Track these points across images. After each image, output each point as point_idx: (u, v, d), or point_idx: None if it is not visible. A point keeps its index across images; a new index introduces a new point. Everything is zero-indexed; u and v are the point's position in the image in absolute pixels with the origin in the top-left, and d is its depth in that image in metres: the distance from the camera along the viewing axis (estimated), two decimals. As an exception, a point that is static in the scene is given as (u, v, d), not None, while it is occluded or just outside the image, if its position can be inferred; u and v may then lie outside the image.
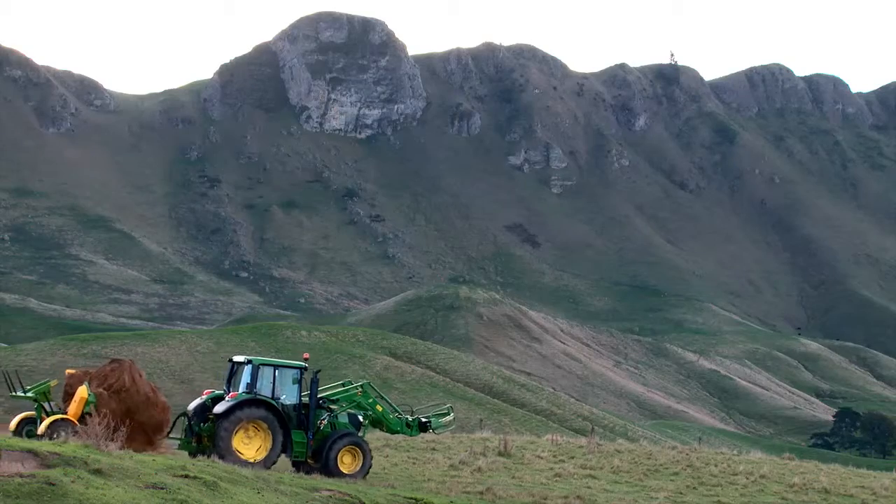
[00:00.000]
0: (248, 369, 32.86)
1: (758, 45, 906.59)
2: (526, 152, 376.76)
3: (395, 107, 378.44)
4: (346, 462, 32.93)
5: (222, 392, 33.39)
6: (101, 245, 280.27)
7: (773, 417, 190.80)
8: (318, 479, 29.48)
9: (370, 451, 33.75)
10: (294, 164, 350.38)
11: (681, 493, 38.28)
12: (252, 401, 32.03)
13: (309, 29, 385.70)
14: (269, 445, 31.97)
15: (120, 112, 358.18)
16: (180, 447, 33.24)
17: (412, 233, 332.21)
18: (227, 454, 30.98)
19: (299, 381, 33.42)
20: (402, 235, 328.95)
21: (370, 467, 33.55)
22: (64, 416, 31.18)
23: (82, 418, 30.89)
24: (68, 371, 33.27)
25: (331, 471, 32.31)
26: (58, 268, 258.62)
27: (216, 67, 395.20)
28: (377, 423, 35.31)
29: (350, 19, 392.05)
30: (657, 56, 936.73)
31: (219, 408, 32.04)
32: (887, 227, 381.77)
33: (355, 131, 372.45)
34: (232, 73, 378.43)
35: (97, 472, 22.11)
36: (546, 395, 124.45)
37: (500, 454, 43.27)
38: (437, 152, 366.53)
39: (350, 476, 32.36)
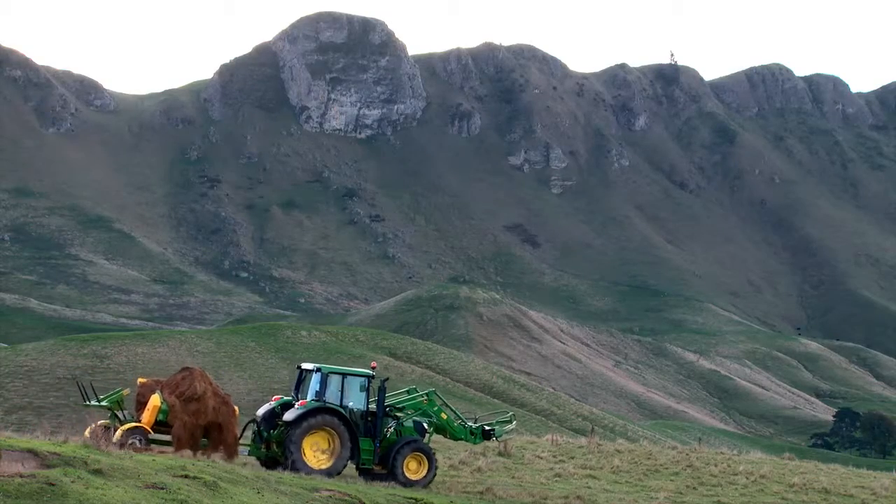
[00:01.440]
0: (316, 377, 33.35)
1: (758, 45, 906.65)
2: (526, 152, 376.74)
3: (395, 107, 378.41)
4: (412, 469, 33.34)
5: (291, 398, 33.84)
6: (101, 245, 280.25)
7: (773, 417, 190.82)
8: (317, 480, 29.49)
9: (435, 458, 34.14)
10: (294, 164, 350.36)
11: (681, 493, 38.30)
12: (321, 408, 32.51)
13: (309, 29, 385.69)
14: (337, 452, 32.42)
15: (120, 112, 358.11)
16: (250, 453, 33.63)
17: (412, 233, 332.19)
18: (296, 461, 31.57)
19: (366, 389, 33.84)
20: (402, 235, 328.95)
21: (435, 474, 33.91)
22: (138, 425, 31.78)
23: (155, 426, 31.75)
24: (140, 380, 33.77)
25: (397, 477, 32.79)
26: (58, 268, 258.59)
27: (216, 67, 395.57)
28: (441, 430, 35.69)
29: (350, 19, 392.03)
30: (657, 56, 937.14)
31: (288, 415, 32.49)
32: (887, 227, 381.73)
33: (355, 131, 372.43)
34: (232, 73, 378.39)
35: (97, 472, 22.12)
36: (546, 395, 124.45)
37: (499, 454, 43.28)
38: (437, 152, 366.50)
39: (416, 483, 32.89)
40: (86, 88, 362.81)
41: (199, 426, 31.85)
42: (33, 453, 22.80)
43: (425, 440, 34.56)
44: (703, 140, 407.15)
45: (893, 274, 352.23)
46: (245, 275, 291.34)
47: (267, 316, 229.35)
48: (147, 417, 31.98)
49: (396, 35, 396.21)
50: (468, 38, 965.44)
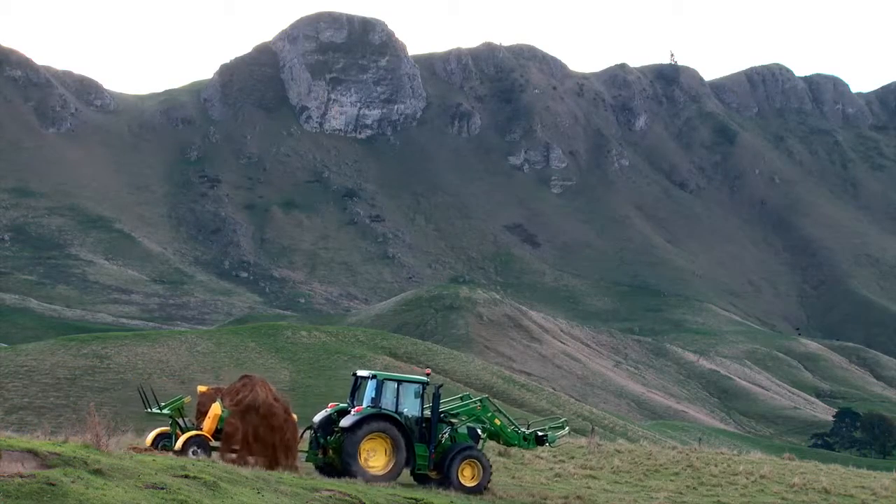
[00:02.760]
0: (372, 384, 33.69)
1: (758, 45, 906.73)
2: (526, 152, 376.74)
3: (395, 107, 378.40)
4: (466, 475, 33.47)
5: (346, 405, 34.17)
6: (101, 245, 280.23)
7: (773, 417, 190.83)
8: (318, 479, 29.50)
9: (490, 464, 34.35)
10: (294, 164, 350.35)
11: (681, 493, 38.32)
12: (377, 415, 32.84)
13: (309, 29, 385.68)
14: (392, 458, 32.76)
15: (120, 112, 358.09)
16: (307, 459, 33.93)
17: (412, 233, 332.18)
18: (352, 467, 31.97)
19: (421, 395, 34.16)
20: (402, 235, 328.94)
21: (489, 480, 34.04)
22: (199, 433, 32.11)
23: (216, 434, 32.05)
24: (200, 389, 34.16)
25: (452, 483, 33.00)
26: (58, 268, 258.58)
27: (216, 67, 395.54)
28: (495, 436, 35.94)
29: (350, 19, 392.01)
30: (657, 56, 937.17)
31: (345, 421, 32.81)
32: (887, 227, 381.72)
33: (355, 131, 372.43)
34: (232, 73, 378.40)
35: (97, 472, 22.12)
36: (546, 395, 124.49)
37: (500, 454, 43.29)
38: (437, 152, 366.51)
39: (470, 489, 33.05)
40: (86, 88, 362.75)
41: (258, 434, 32.02)
42: (33, 453, 22.79)
43: (479, 446, 34.83)
44: (703, 140, 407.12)
45: (893, 274, 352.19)
46: (245, 275, 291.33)
47: (267, 316, 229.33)
48: (208, 425, 32.33)
49: (396, 35, 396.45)
50: (468, 38, 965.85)
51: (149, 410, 34.54)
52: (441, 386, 35.04)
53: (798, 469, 46.34)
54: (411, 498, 28.69)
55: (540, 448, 38.51)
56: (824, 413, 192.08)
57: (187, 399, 34.64)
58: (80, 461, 22.57)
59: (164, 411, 33.68)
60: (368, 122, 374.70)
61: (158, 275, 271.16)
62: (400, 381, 34.17)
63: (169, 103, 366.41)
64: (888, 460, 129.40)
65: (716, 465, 45.17)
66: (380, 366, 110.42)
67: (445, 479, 33.12)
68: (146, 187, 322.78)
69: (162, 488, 22.03)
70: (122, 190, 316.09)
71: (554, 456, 45.11)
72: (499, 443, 36.84)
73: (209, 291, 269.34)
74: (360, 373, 34.79)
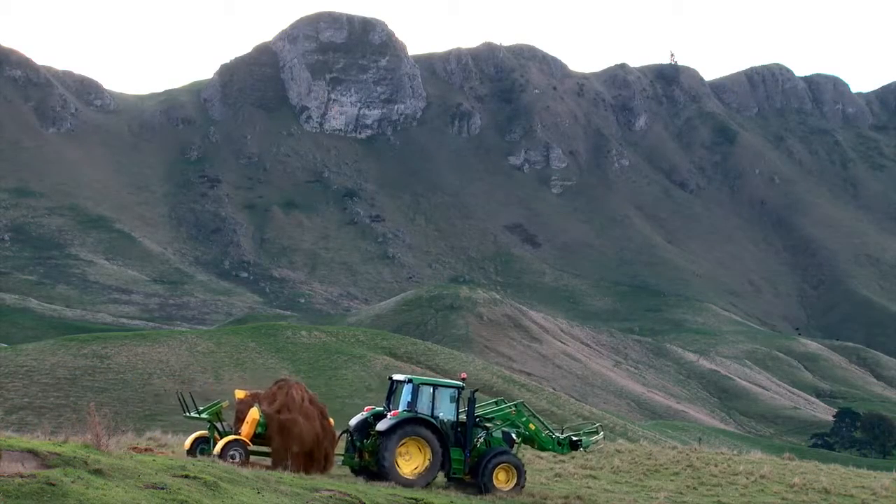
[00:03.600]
0: (408, 388, 33.99)
1: (758, 45, 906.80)
2: (526, 152, 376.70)
3: (395, 107, 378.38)
4: (501, 479, 33.73)
5: (382, 409, 34.49)
6: (101, 245, 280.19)
7: (773, 417, 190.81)
8: (318, 479, 29.49)
9: (524, 468, 34.57)
10: (294, 164, 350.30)
11: (681, 493, 38.34)
12: (413, 419, 33.12)
13: (309, 29, 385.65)
14: (428, 462, 33.03)
15: (120, 112, 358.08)
16: (343, 462, 34.31)
17: (412, 233, 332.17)
18: (388, 470, 32.28)
19: (456, 400, 34.42)
20: (402, 235, 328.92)
21: (524, 485, 34.25)
22: (237, 437, 32.52)
23: (254, 439, 32.59)
24: (238, 395, 34.42)
25: (486, 487, 33.25)
26: (58, 268, 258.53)
27: (216, 67, 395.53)
28: (529, 440, 36.20)
29: (350, 19, 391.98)
30: (657, 56, 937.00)
31: (381, 425, 33.04)
32: (887, 227, 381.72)
33: (355, 131, 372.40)
34: (232, 73, 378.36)
35: (97, 472, 22.12)
36: (546, 395, 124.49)
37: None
38: (437, 152, 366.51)
39: (505, 493, 33.28)
40: (86, 88, 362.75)
41: (295, 438, 32.54)
42: (33, 453, 22.79)
43: (513, 451, 35.10)
44: (703, 140, 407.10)
45: (893, 274, 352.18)
46: (245, 275, 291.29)
47: (267, 316, 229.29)
48: (246, 430, 32.71)
49: (396, 35, 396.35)
50: (468, 38, 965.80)
51: (187, 415, 34.97)
52: (476, 391, 35.46)
53: (798, 469, 46.33)
54: (411, 498, 28.70)
55: (574, 452, 38.74)
56: (824, 413, 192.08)
57: (225, 404, 35.08)
58: (80, 461, 22.57)
59: (203, 416, 34.12)
60: (368, 122, 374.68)
61: (158, 275, 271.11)
62: (436, 386, 34.51)
63: (169, 103, 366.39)
64: (888, 460, 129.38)
65: (716, 465, 45.17)
66: (380, 366, 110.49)
67: (480, 483, 33.41)
68: (146, 187, 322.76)
69: (162, 488, 22.03)
70: (122, 190, 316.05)
71: (554, 456, 45.12)
72: (532, 447, 37.12)
73: (209, 291, 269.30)
74: (396, 377, 35.14)
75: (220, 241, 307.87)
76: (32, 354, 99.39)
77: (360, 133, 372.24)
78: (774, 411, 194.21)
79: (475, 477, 33.65)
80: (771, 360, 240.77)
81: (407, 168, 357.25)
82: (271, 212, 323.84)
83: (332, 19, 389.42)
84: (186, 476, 23.68)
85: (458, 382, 34.83)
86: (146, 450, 31.20)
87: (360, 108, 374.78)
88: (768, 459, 50.98)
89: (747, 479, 42.15)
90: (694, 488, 39.87)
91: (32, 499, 19.53)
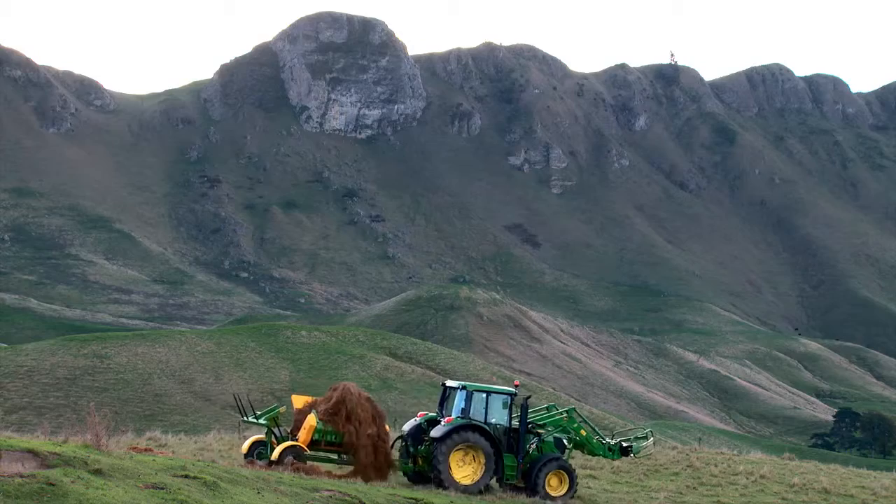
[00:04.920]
0: (461, 394, 34.37)
1: (758, 45, 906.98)
2: (526, 152, 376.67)
3: (395, 107, 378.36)
4: (553, 485, 34.06)
5: (436, 415, 34.96)
6: (101, 245, 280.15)
7: (773, 417, 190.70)
8: (318, 480, 29.50)
9: (576, 474, 34.90)
10: (294, 164, 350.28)
11: (681, 493, 38.36)
12: (467, 425, 33.47)
13: (309, 29, 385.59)
14: (482, 468, 33.38)
15: (120, 112, 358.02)
16: (399, 468, 34.67)
17: (412, 233, 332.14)
18: (443, 476, 32.66)
19: (509, 406, 34.77)
20: (402, 235, 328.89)
21: (576, 490, 34.55)
22: (295, 443, 33.18)
23: (311, 444, 33.32)
24: (296, 403, 34.94)
25: (539, 493, 33.60)
26: (58, 268, 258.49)
27: (216, 67, 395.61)
28: (579, 446, 36.56)
29: (350, 19, 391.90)
30: (657, 56, 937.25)
31: (435, 432, 33.46)
32: (887, 227, 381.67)
33: (355, 131, 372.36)
34: (232, 73, 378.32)
35: (97, 472, 22.11)
36: (546, 395, 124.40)
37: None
38: (437, 152, 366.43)
39: (557, 498, 33.67)
40: (86, 88, 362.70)
41: (350, 442, 33.24)
42: (33, 453, 22.79)
43: (564, 456, 35.35)
44: (703, 140, 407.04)
45: (893, 274, 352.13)
46: (245, 275, 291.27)
47: (267, 316, 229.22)
48: (303, 436, 33.33)
49: (396, 35, 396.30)
50: (468, 38, 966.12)
51: (245, 419, 35.57)
52: (529, 397, 36.21)
53: (798, 469, 46.33)
54: (411, 498, 28.70)
55: (624, 458, 38.98)
56: (824, 413, 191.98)
57: (282, 409, 35.57)
58: (80, 461, 22.56)
59: (261, 421, 34.59)
60: (368, 122, 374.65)
61: (158, 275, 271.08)
62: (489, 393, 34.76)
63: (169, 103, 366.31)
64: (888, 460, 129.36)
65: (716, 465, 45.17)
66: (380, 366, 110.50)
67: (532, 489, 33.74)
68: (146, 187, 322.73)
69: (162, 488, 22.03)
70: (122, 190, 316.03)
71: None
72: (583, 452, 37.44)
73: (209, 291, 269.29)
74: (449, 383, 35.60)
75: (220, 241, 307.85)
76: (32, 354, 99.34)
77: (360, 133, 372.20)
78: (774, 411, 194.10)
79: (528, 483, 34.01)
80: (771, 360, 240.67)
81: (407, 168, 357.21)
82: (271, 212, 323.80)
83: (332, 19, 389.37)
84: (186, 476, 23.68)
85: (510, 389, 35.27)
86: (146, 450, 31.20)
87: (360, 108, 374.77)
88: (768, 459, 50.98)
89: (747, 479, 42.15)
90: (694, 488, 39.88)
91: (32, 499, 19.53)
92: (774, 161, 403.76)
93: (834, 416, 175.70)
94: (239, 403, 35.99)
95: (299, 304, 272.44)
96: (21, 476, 20.31)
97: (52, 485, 20.15)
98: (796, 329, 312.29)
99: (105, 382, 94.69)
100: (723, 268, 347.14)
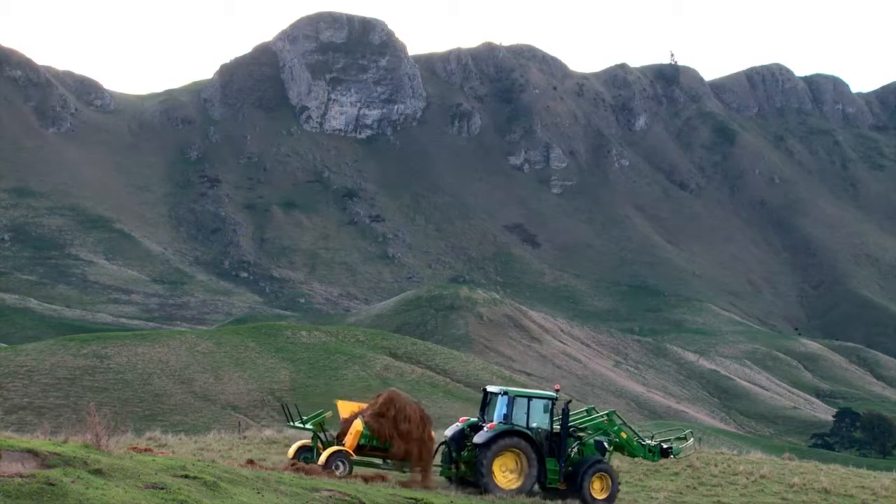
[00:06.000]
0: (503, 399, 34.65)
1: (758, 45, 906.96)
2: (526, 152, 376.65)
3: (395, 107, 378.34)
4: (596, 488, 34.29)
5: (477, 420, 35.19)
6: (101, 245, 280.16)
7: (773, 417, 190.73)
8: (317, 479, 29.50)
9: (617, 476, 35.22)
10: (294, 164, 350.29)
11: (681, 493, 38.39)
12: (510, 431, 33.74)
13: (309, 29, 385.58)
14: (525, 473, 33.62)
15: (120, 112, 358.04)
16: (441, 473, 34.94)
17: (412, 233, 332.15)
18: (487, 482, 32.96)
19: (550, 411, 35.03)
20: (402, 235, 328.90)
21: (618, 492, 34.83)
22: (341, 448, 33.50)
23: (357, 449, 33.64)
24: (343, 414, 35.20)
25: (583, 497, 33.85)
26: (58, 268, 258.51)
27: (216, 67, 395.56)
28: (619, 448, 36.76)
29: (350, 19, 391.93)
30: (657, 56, 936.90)
31: (479, 438, 33.70)
32: (887, 227, 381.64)
33: (355, 131, 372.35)
34: (232, 73, 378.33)
35: (97, 472, 22.11)
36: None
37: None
38: (437, 152, 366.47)
39: (600, 501, 34.02)
40: (86, 88, 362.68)
41: (396, 448, 33.72)
42: (33, 453, 22.78)
43: (605, 458, 35.64)
44: (703, 140, 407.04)
45: (893, 274, 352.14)
46: (245, 275, 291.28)
47: (267, 316, 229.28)
48: (350, 441, 33.65)
49: (396, 35, 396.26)
50: (468, 38, 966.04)
51: (291, 424, 36.03)
52: (570, 401, 36.23)
53: (798, 469, 46.33)
54: (411, 498, 28.70)
55: (664, 460, 39.22)
56: (824, 413, 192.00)
57: (328, 414, 35.85)
58: (80, 461, 22.56)
59: (308, 426, 35.01)
60: (368, 122, 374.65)
61: (158, 275, 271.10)
62: (530, 398, 35.04)
63: (169, 103, 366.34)
64: (888, 460, 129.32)
65: (716, 465, 45.18)
66: (379, 366, 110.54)
67: (576, 493, 33.96)
68: (146, 187, 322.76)
69: (162, 488, 22.03)
70: (122, 190, 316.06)
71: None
72: (623, 454, 37.61)
73: (209, 291, 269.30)
74: (490, 388, 35.83)
75: (220, 241, 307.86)
76: (32, 354, 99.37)
77: (360, 133, 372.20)
78: (774, 411, 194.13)
79: (570, 486, 34.19)
80: (771, 360, 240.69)
81: (407, 168, 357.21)
82: (271, 212, 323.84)
83: (332, 19, 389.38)
84: (186, 476, 23.67)
85: (551, 393, 35.57)
86: (146, 450, 31.18)
87: (360, 108, 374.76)
88: (768, 459, 50.98)
89: (747, 479, 42.16)
90: (694, 488, 39.90)
91: (32, 499, 19.53)
92: (774, 161, 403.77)
93: (834, 416, 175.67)
94: (286, 410, 36.43)
95: (299, 304, 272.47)
96: (21, 476, 20.31)
97: (52, 485, 20.15)
98: (796, 329, 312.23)
99: (105, 382, 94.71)
100: (723, 268, 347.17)
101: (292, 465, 33.33)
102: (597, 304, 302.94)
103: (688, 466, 44.52)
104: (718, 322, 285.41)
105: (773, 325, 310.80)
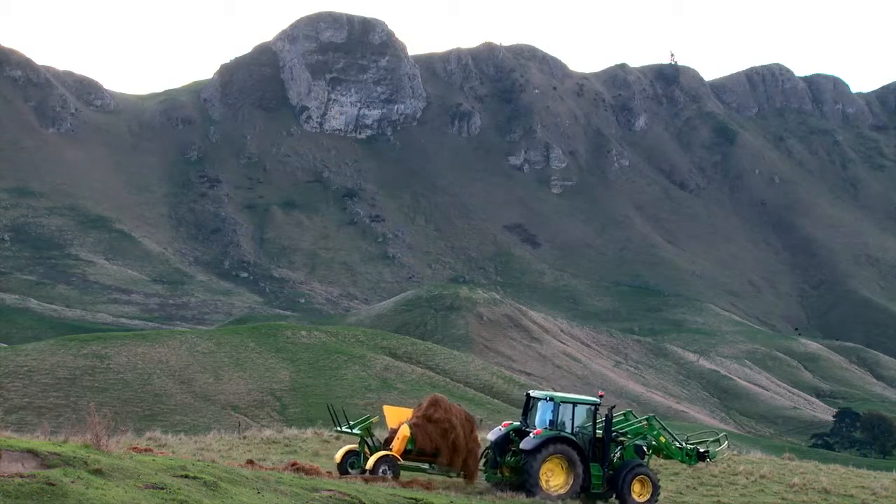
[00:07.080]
0: (548, 405, 35.05)
1: (758, 45, 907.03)
2: (526, 152, 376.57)
3: (395, 107, 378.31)
4: (637, 491, 34.74)
5: (519, 424, 35.53)
6: (101, 245, 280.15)
7: (773, 417, 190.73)
8: (318, 480, 29.49)
9: (658, 479, 35.58)
10: (294, 164, 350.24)
11: (681, 493, 38.41)
12: (556, 437, 34.08)
13: (309, 29, 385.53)
14: (571, 478, 34.00)
15: (120, 112, 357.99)
16: (486, 479, 35.19)
17: (412, 233, 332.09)
18: (534, 488, 33.35)
19: (593, 416, 35.44)
20: (402, 235, 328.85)
21: (658, 495, 35.22)
22: (388, 453, 33.90)
23: (404, 454, 34.08)
24: (391, 424, 35.52)
25: (624, 499, 34.39)
26: (58, 268, 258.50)
27: (216, 67, 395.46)
28: (657, 451, 37.25)
29: (350, 19, 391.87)
30: (657, 56, 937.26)
31: (526, 444, 34.02)
32: (887, 227, 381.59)
33: (355, 131, 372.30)
34: (232, 73, 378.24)
35: (97, 472, 22.11)
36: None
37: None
38: (437, 152, 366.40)
39: None
40: (86, 88, 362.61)
41: (444, 454, 34.14)
42: (33, 453, 22.79)
43: (644, 462, 36.04)
44: (703, 140, 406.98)
45: (893, 274, 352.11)
46: (245, 275, 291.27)
47: (267, 316, 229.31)
48: (397, 446, 34.04)
49: (396, 35, 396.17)
50: (468, 38, 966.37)
51: (338, 429, 36.32)
52: (613, 407, 36.72)
53: (798, 469, 46.34)
54: (411, 498, 28.70)
55: (701, 464, 39.58)
56: (824, 413, 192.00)
57: (375, 419, 36.20)
58: (80, 461, 22.56)
59: (355, 431, 35.20)
60: (368, 122, 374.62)
61: (158, 275, 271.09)
62: (575, 403, 35.36)
63: (169, 103, 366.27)
64: (888, 460, 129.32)
65: (716, 465, 45.17)
66: (380, 366, 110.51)
67: (618, 496, 34.45)
68: (146, 187, 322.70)
69: (162, 488, 22.03)
70: (122, 190, 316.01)
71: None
72: (660, 457, 38.08)
73: (209, 291, 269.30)
74: (534, 394, 36.13)
75: (220, 241, 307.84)
76: (32, 354, 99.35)
77: (359, 133, 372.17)
78: (774, 411, 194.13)
79: (614, 490, 34.61)
80: (771, 360, 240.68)
81: (407, 168, 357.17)
82: (271, 212, 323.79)
83: (332, 19, 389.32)
84: (186, 476, 23.67)
85: (594, 399, 35.95)
86: (146, 450, 31.18)
87: (360, 108, 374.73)
88: (768, 459, 50.99)
89: (747, 479, 42.17)
90: (694, 488, 39.91)
91: (32, 499, 19.53)
92: (774, 161, 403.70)
93: (834, 416, 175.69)
94: (333, 413, 36.55)
95: (299, 304, 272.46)
96: (21, 476, 20.31)
97: (52, 485, 20.16)
98: (796, 329, 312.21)
99: (105, 382, 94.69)
100: (723, 268, 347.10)
101: (292, 465, 33.34)
102: (597, 304, 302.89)
103: (688, 466, 44.48)
104: (718, 322, 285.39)
105: (773, 325, 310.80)
